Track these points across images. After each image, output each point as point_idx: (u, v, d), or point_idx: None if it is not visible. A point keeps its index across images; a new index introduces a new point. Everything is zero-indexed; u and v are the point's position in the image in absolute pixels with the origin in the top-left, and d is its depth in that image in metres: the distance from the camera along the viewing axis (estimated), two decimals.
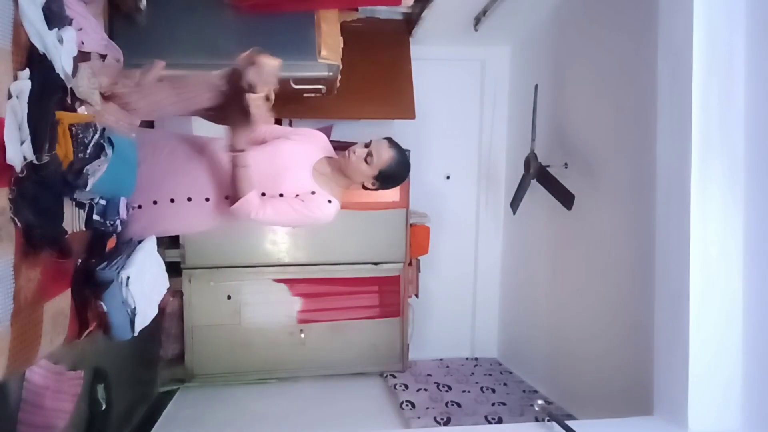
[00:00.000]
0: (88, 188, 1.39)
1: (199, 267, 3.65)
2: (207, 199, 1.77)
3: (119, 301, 1.52)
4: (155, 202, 1.74)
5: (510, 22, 3.91)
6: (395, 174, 1.83)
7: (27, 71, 1.21)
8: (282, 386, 3.80)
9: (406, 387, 3.75)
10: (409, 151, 1.91)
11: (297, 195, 1.78)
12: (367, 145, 1.80)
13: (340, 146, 2.06)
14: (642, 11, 2.75)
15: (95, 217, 1.53)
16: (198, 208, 1.77)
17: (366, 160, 1.77)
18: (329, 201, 1.80)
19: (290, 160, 1.81)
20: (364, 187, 1.88)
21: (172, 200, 1.75)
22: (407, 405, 3.48)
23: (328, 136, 2.91)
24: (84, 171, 1.36)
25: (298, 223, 1.81)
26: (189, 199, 1.76)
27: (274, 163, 1.79)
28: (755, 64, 1.98)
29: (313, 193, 1.79)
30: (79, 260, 1.52)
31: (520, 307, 4.38)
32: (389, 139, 1.83)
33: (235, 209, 1.69)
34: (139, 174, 1.65)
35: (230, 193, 1.72)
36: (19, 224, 1.18)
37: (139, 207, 1.72)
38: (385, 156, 1.78)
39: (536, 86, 3.61)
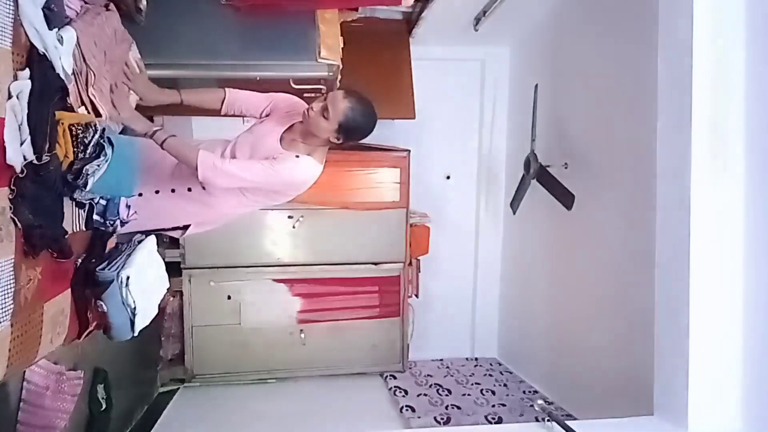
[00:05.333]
0: (88, 188, 1.39)
1: (199, 267, 3.65)
2: (189, 189, 1.81)
3: (119, 301, 1.52)
4: (157, 191, 1.81)
5: (510, 22, 3.91)
6: (357, 124, 1.78)
7: (27, 71, 1.21)
8: (282, 386, 3.80)
9: (406, 393, 3.70)
10: (372, 105, 1.83)
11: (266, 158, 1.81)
12: (324, 100, 1.76)
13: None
14: (642, 11, 2.74)
15: (95, 217, 1.53)
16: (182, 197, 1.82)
17: (323, 115, 1.73)
18: (296, 156, 1.78)
19: (261, 133, 1.85)
20: (333, 145, 1.84)
21: (173, 190, 1.82)
22: (407, 410, 3.47)
23: None
24: (84, 171, 1.36)
25: (269, 181, 1.77)
26: (173, 191, 1.82)
27: (249, 141, 1.84)
28: (755, 64, 1.98)
29: (280, 154, 1.79)
30: (79, 260, 1.53)
31: (520, 307, 4.37)
32: (345, 90, 1.80)
33: (201, 172, 1.66)
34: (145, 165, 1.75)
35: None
36: (19, 224, 1.18)
37: (140, 195, 1.79)
38: (340, 107, 1.73)
39: (536, 86, 3.61)
